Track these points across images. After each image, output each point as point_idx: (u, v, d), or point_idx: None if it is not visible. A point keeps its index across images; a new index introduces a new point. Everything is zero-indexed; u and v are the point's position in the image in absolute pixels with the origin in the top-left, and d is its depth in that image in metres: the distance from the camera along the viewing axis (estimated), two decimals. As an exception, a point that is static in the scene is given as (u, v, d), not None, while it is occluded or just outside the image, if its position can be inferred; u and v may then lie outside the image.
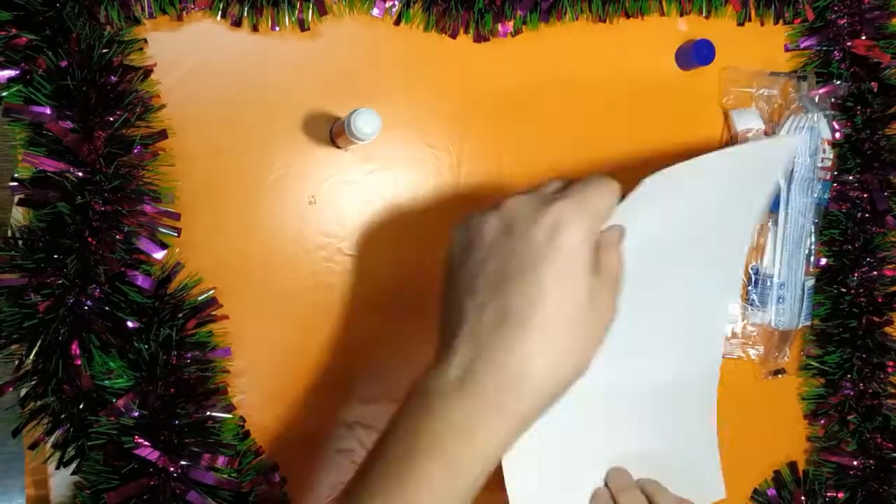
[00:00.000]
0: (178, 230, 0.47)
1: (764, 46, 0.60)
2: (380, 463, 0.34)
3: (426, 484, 0.32)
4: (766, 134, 0.57)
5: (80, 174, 0.43)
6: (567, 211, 0.35)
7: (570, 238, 0.34)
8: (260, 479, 0.48)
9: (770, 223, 0.58)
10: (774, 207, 0.57)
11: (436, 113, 0.53)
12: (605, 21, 0.56)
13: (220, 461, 0.45)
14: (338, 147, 0.50)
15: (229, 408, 0.47)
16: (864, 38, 0.59)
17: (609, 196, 0.37)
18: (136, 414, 0.44)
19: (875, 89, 0.59)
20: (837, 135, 0.59)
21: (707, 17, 0.58)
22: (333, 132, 0.49)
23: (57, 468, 0.45)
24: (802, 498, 0.58)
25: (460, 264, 0.37)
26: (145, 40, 0.47)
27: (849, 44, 0.59)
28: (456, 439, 0.33)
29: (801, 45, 0.60)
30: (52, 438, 0.44)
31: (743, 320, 0.59)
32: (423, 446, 0.33)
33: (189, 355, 0.46)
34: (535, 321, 0.34)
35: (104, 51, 0.44)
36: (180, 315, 0.46)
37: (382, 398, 0.51)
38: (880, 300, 0.58)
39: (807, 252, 0.58)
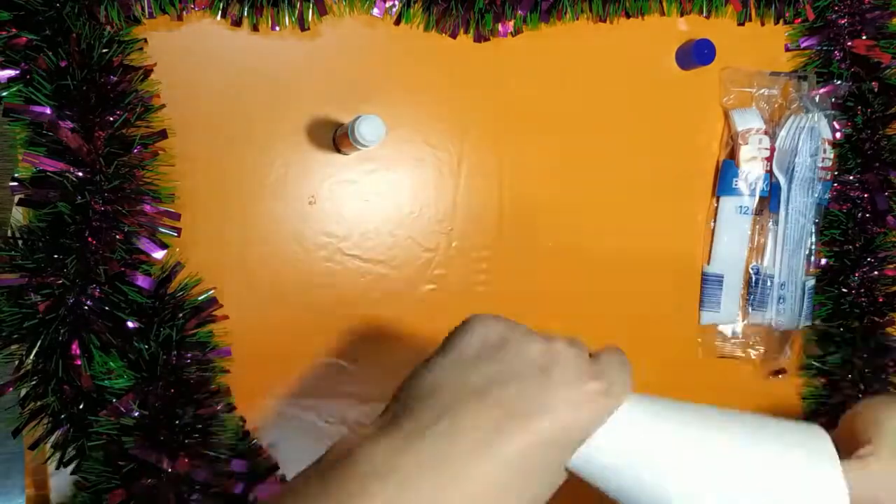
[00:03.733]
0: (178, 230, 0.47)
1: (764, 46, 0.60)
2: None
3: None
4: (766, 134, 0.57)
5: (80, 174, 0.43)
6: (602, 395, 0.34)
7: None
8: (260, 479, 0.48)
9: (770, 223, 0.58)
10: (774, 207, 0.57)
11: (436, 113, 0.53)
12: (605, 21, 0.56)
13: (220, 461, 0.45)
14: (340, 152, 0.50)
15: (229, 408, 0.47)
16: (864, 37, 0.59)
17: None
18: (137, 414, 0.44)
19: (875, 89, 0.59)
20: (838, 135, 0.59)
21: (707, 17, 0.58)
22: (337, 138, 0.49)
23: (57, 468, 0.45)
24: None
25: (476, 356, 0.35)
26: (145, 40, 0.47)
27: (849, 43, 0.59)
28: None
29: (802, 45, 0.60)
30: (52, 438, 0.44)
31: (743, 320, 0.59)
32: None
33: (189, 355, 0.46)
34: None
35: (104, 50, 0.44)
36: (180, 315, 0.46)
37: (382, 398, 0.51)
38: (881, 300, 0.58)
39: (807, 252, 0.57)
